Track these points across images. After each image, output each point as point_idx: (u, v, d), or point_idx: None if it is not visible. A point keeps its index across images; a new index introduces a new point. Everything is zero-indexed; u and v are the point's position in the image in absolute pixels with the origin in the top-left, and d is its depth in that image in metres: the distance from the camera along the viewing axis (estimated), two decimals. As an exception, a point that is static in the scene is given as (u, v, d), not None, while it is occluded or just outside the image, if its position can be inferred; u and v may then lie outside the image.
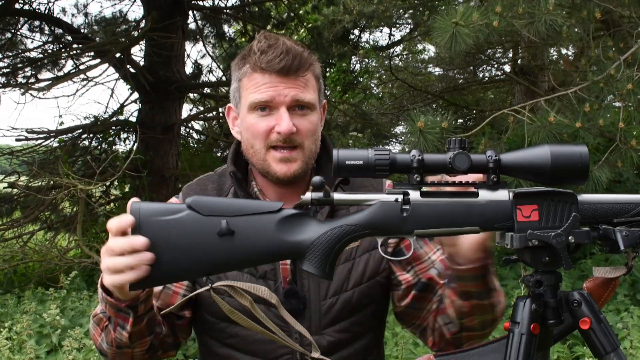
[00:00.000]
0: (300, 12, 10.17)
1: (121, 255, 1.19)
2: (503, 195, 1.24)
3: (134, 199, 1.25)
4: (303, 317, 1.49)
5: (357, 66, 14.31)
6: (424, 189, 1.24)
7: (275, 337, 1.43)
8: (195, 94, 9.50)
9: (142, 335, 1.41)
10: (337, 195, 1.23)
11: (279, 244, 1.23)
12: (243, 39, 9.91)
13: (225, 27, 9.54)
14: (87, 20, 8.52)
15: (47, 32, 8.11)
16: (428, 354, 1.30)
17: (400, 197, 1.23)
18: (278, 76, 1.44)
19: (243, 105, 1.50)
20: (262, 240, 1.23)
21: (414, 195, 1.23)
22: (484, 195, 1.24)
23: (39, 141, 7.67)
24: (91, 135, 8.00)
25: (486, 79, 12.07)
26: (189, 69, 8.86)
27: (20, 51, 8.13)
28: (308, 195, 1.23)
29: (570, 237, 1.20)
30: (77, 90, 8.04)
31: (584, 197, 1.24)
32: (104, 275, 1.26)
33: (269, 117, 1.46)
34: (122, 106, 8.37)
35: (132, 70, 7.55)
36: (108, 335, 1.41)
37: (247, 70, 1.48)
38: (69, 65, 8.27)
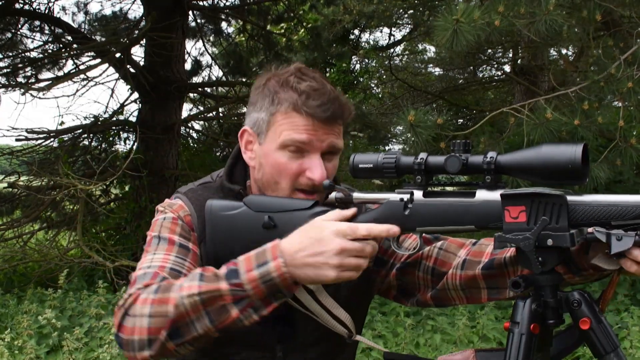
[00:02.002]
0: (300, 12, 10.15)
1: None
2: (496, 195, 1.25)
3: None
4: (289, 341, 1.48)
5: (357, 66, 14.32)
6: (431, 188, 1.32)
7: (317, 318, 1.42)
8: (195, 94, 9.50)
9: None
10: (356, 195, 1.39)
11: None
12: (242, 38, 9.91)
13: (224, 26, 9.53)
14: (87, 19, 8.51)
15: (47, 32, 8.10)
16: (470, 349, 1.38)
17: (404, 197, 1.32)
18: (319, 121, 1.41)
19: (271, 139, 1.45)
20: None
21: (418, 195, 1.32)
22: (480, 195, 1.27)
23: (39, 141, 7.67)
24: (91, 135, 8.00)
25: (486, 79, 12.05)
26: (188, 66, 8.86)
27: (20, 51, 8.13)
28: (333, 195, 1.40)
29: (548, 240, 1.19)
30: (77, 90, 8.03)
31: (581, 198, 1.20)
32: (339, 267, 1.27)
33: (301, 159, 1.43)
34: (122, 106, 8.36)
35: (132, 70, 7.54)
36: (218, 315, 1.28)
37: (285, 107, 1.42)
38: (69, 65, 8.29)
